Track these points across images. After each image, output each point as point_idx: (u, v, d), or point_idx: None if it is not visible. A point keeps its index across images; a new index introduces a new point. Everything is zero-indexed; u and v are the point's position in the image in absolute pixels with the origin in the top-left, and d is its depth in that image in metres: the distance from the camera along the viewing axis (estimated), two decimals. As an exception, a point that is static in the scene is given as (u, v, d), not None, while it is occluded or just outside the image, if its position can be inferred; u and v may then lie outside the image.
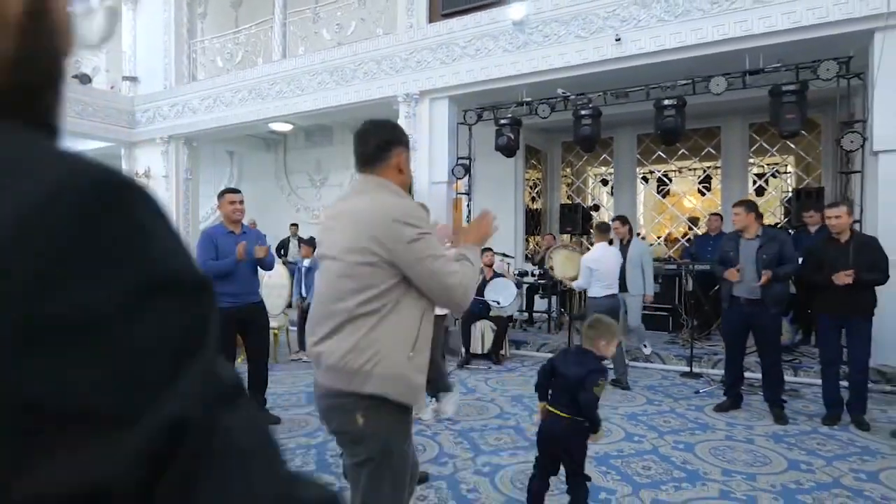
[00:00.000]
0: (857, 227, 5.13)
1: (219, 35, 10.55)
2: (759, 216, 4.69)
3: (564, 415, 2.61)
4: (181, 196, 10.61)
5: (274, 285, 6.58)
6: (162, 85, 10.58)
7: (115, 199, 0.31)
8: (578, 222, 9.80)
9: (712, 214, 8.23)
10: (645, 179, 10.99)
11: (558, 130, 10.04)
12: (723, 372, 5.02)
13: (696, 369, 5.85)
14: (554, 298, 8.16)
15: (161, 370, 0.30)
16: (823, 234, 5.92)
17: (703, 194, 10.89)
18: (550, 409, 2.69)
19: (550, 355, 6.73)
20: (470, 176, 8.08)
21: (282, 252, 9.98)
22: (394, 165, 1.82)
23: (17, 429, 0.26)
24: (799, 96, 5.74)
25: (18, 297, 0.26)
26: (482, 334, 6.54)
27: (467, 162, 7.94)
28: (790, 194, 8.91)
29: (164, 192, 10.29)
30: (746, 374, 4.92)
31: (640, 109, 7.25)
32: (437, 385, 4.20)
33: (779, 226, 9.17)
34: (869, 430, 4.13)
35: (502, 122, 7.53)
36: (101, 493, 0.28)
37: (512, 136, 7.46)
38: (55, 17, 0.40)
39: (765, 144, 9.53)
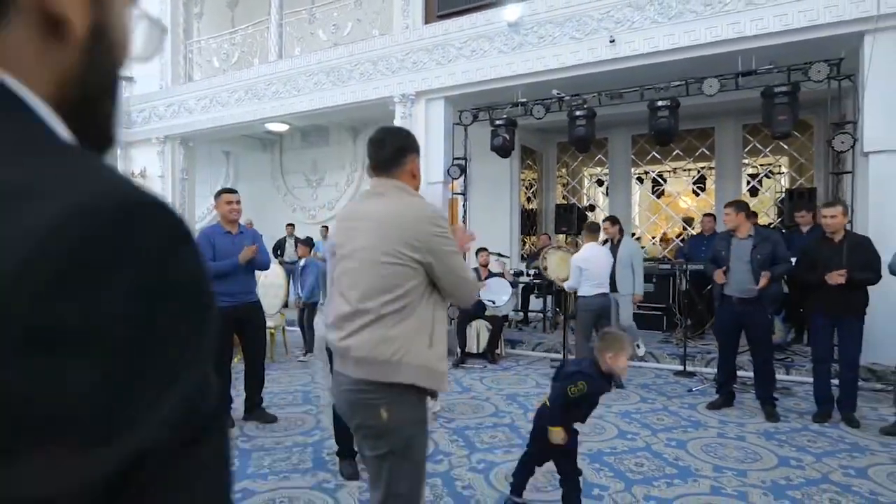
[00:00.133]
0: (848, 227, 5.18)
1: (215, 35, 10.57)
2: (751, 216, 4.75)
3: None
4: (177, 196, 10.62)
5: (270, 285, 6.61)
6: (158, 85, 10.58)
7: (128, 225, 0.31)
8: (574, 222, 9.84)
9: (705, 215, 8.29)
10: (640, 180, 11.05)
11: (554, 131, 10.10)
12: (716, 370, 5.07)
13: (689, 368, 5.90)
14: (549, 298, 8.21)
15: (146, 395, 0.31)
16: (817, 234, 6.00)
17: (698, 195, 10.96)
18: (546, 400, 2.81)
19: (545, 355, 6.82)
20: (466, 176, 8.12)
21: (278, 252, 10.00)
22: (408, 171, 1.93)
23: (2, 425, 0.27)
24: (791, 98, 5.80)
25: (27, 306, 0.27)
26: (478, 334, 6.58)
27: (463, 162, 7.98)
28: (783, 195, 8.99)
29: (160, 192, 10.28)
30: (739, 373, 4.98)
31: (635, 110, 7.30)
32: None
33: (772, 226, 9.25)
34: (859, 427, 4.19)
35: (498, 122, 7.57)
36: None
37: (507, 137, 7.50)
38: (113, 34, 0.43)
39: (758, 145, 9.60)
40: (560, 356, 6.51)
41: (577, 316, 5.65)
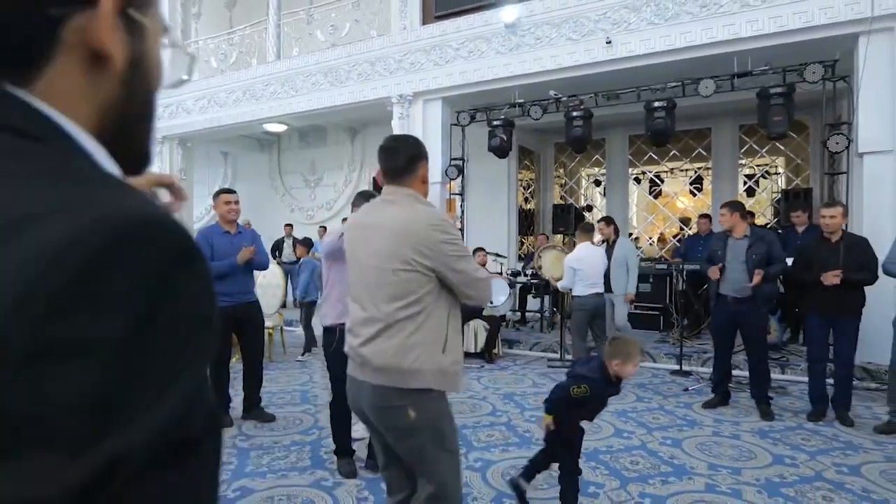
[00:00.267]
0: (844, 227, 5.22)
1: (213, 36, 10.58)
2: (747, 216, 4.78)
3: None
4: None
5: (268, 285, 6.62)
6: (156, 85, 10.57)
7: (129, 244, 0.33)
8: (571, 223, 9.86)
9: (701, 216, 8.34)
10: (637, 180, 11.08)
11: (551, 131, 10.13)
12: (711, 370, 5.10)
13: (685, 367, 5.94)
14: (546, 298, 8.24)
15: (134, 409, 0.32)
16: (812, 234, 6.04)
17: (695, 195, 11.01)
18: None
19: (542, 354, 6.85)
20: (463, 177, 8.15)
21: (276, 252, 10.01)
22: (420, 177, 1.99)
23: None
24: (786, 98, 5.84)
25: (29, 324, 0.29)
26: (475, 333, 6.61)
27: (461, 163, 8.01)
28: (779, 195, 9.03)
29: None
30: (734, 372, 5.01)
31: (632, 111, 7.34)
32: None
33: (768, 226, 9.29)
34: (853, 425, 4.22)
35: (495, 123, 7.61)
36: None
37: (504, 138, 7.53)
38: (148, 63, 0.47)
39: (754, 146, 9.65)
40: (557, 356, 6.55)
41: (571, 315, 5.69)
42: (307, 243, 7.17)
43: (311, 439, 3.95)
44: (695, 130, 9.80)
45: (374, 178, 8.61)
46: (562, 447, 2.81)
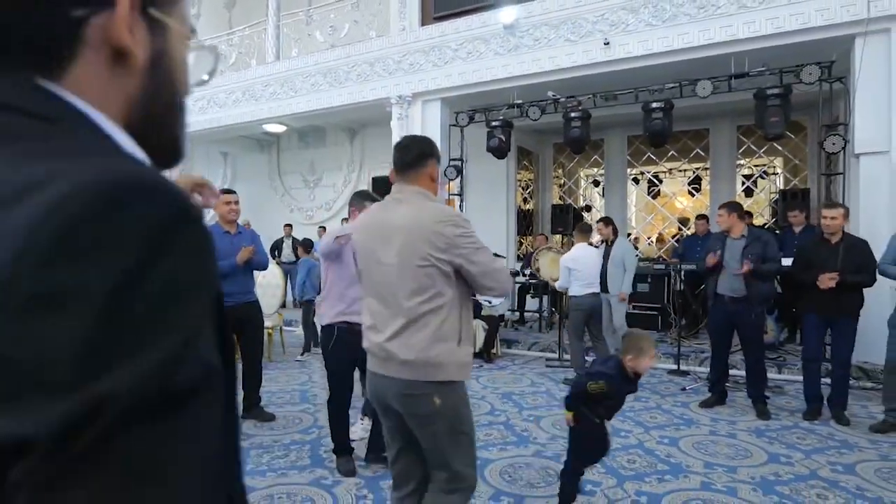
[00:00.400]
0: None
1: (212, 36, 10.59)
2: (744, 217, 4.81)
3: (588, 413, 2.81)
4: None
5: (268, 285, 6.65)
6: (155, 86, 10.60)
7: (122, 200, 0.35)
8: (570, 223, 9.88)
9: (699, 216, 8.37)
10: (636, 181, 11.11)
11: (550, 132, 10.16)
12: (709, 369, 5.13)
13: (683, 367, 5.97)
14: (545, 298, 8.27)
15: (111, 354, 0.33)
16: (809, 234, 6.08)
17: (693, 195, 11.04)
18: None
19: (540, 354, 6.87)
20: (462, 177, 8.18)
21: (275, 252, 10.04)
22: (427, 174, 2.06)
23: None
24: (783, 99, 5.87)
25: (25, 269, 0.32)
26: (474, 333, 6.61)
27: (460, 163, 8.04)
28: (777, 195, 9.06)
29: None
30: (731, 372, 5.04)
31: (630, 111, 7.37)
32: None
33: (766, 226, 9.32)
34: (849, 424, 4.25)
35: (494, 123, 7.63)
36: (15, 445, 0.32)
37: (503, 138, 7.56)
38: (171, 60, 0.51)
39: (752, 146, 9.67)
40: (555, 355, 6.58)
41: (568, 315, 5.71)
42: (308, 244, 7.19)
43: (310, 438, 3.98)
44: (693, 131, 9.83)
45: (373, 178, 8.63)
46: (576, 443, 2.83)
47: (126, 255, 0.34)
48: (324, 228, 10.21)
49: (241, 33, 10.29)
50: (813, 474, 3.38)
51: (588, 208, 11.52)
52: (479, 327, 6.64)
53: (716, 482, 3.25)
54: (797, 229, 6.60)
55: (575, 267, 5.40)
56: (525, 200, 10.95)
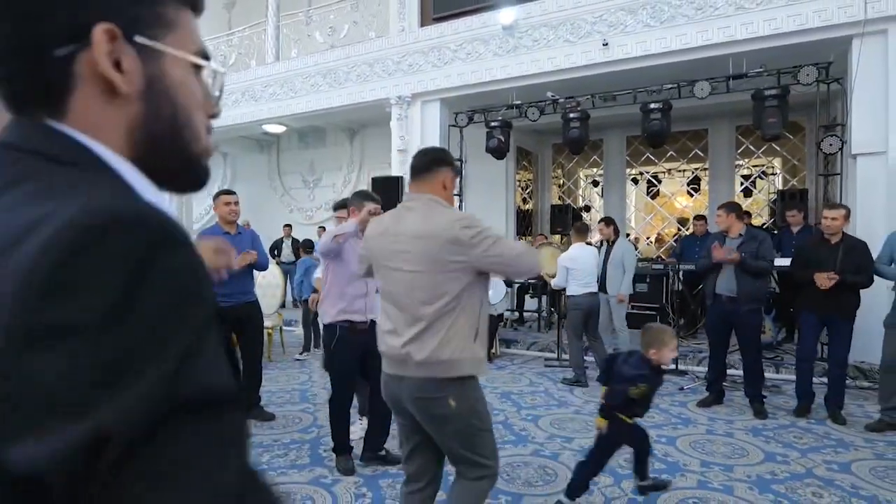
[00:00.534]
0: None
1: (212, 37, 10.62)
2: (742, 217, 4.84)
3: (624, 418, 2.80)
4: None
5: (268, 285, 6.67)
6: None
7: (110, 233, 0.38)
8: (569, 223, 9.89)
9: (696, 217, 8.40)
10: (635, 181, 11.13)
11: (549, 132, 10.18)
12: (707, 369, 5.16)
13: (681, 367, 5.98)
14: (544, 298, 8.29)
15: (114, 378, 0.35)
16: (807, 234, 6.10)
17: (692, 195, 11.06)
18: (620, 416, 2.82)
19: (539, 354, 6.89)
20: (462, 177, 8.20)
21: (275, 252, 10.06)
22: (440, 181, 2.10)
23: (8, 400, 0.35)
24: (781, 100, 5.89)
25: (17, 310, 0.35)
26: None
27: (459, 164, 8.06)
28: (776, 195, 9.09)
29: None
30: (729, 371, 5.06)
31: (628, 112, 7.39)
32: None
33: (765, 226, 9.35)
34: (845, 423, 4.28)
35: (493, 124, 7.65)
36: (39, 474, 0.34)
37: (502, 139, 7.58)
38: (167, 83, 0.52)
39: (751, 147, 9.69)
40: (554, 355, 6.60)
41: (567, 315, 5.74)
42: (309, 245, 7.21)
43: (310, 437, 4.00)
44: (692, 131, 9.85)
45: (372, 178, 8.65)
46: (606, 444, 2.84)
47: (112, 286, 0.36)
48: (323, 228, 10.22)
49: (241, 34, 10.32)
50: (809, 473, 3.40)
51: (587, 208, 11.54)
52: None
53: (712, 481, 3.28)
54: (795, 229, 6.62)
55: (573, 266, 5.42)
56: (524, 201, 10.98)
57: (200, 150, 0.56)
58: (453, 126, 8.02)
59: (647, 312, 7.97)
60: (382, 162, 9.43)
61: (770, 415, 4.49)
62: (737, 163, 9.91)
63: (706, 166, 10.14)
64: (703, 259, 4.85)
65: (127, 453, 0.36)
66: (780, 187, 9.55)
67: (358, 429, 3.87)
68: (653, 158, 10.56)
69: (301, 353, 6.81)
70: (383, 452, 3.49)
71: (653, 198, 11.36)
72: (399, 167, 8.21)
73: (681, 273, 7.10)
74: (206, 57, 0.57)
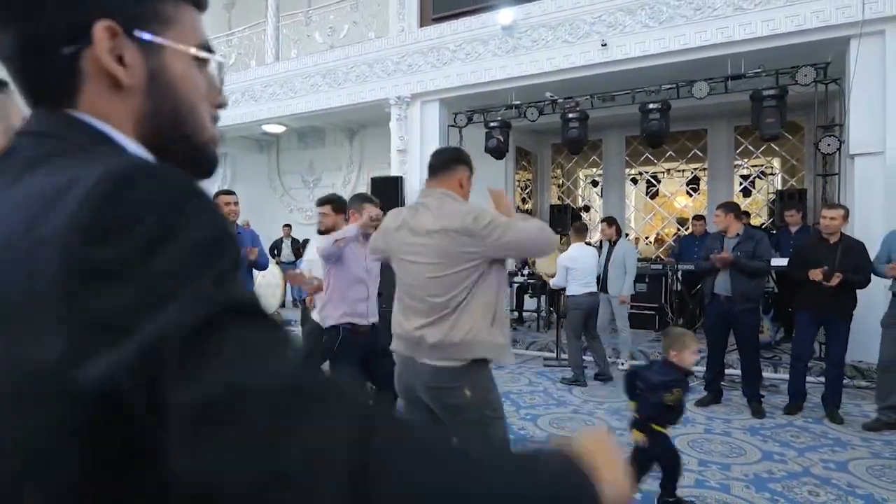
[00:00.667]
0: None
1: (211, 37, 10.56)
2: (741, 217, 4.86)
3: (659, 428, 2.74)
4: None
5: (268, 285, 6.67)
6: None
7: (143, 180, 0.44)
8: (568, 223, 9.89)
9: (695, 217, 8.42)
10: (634, 181, 11.15)
11: (548, 132, 10.18)
12: (705, 369, 5.17)
13: (679, 366, 5.99)
14: (543, 298, 8.31)
15: (161, 298, 0.40)
16: (805, 234, 6.12)
17: (691, 195, 11.08)
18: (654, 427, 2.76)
19: (538, 354, 6.91)
20: (461, 177, 8.20)
21: (275, 252, 10.08)
22: (457, 179, 2.17)
23: (81, 325, 0.40)
24: (779, 101, 5.92)
25: (69, 254, 0.40)
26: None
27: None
28: (775, 195, 9.11)
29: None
30: (727, 371, 5.08)
31: (627, 112, 7.41)
32: None
33: (763, 226, 9.37)
34: (842, 423, 4.29)
35: (492, 124, 7.67)
36: (113, 386, 0.39)
37: (501, 139, 7.60)
38: (169, 75, 0.56)
39: (750, 147, 9.71)
40: (553, 355, 6.61)
41: (566, 315, 5.75)
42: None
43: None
44: (691, 131, 9.86)
45: (372, 178, 8.67)
46: (643, 455, 2.79)
47: (146, 224, 0.42)
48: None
49: (241, 34, 10.34)
50: (805, 471, 3.42)
51: (587, 208, 11.56)
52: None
53: (709, 479, 3.30)
54: (793, 229, 6.64)
55: (573, 266, 5.44)
56: (524, 201, 10.99)
57: (207, 139, 0.60)
58: (452, 126, 8.04)
59: (646, 312, 8.00)
60: (382, 162, 9.45)
61: (768, 414, 4.51)
62: (736, 163, 9.92)
63: (705, 166, 10.16)
64: (702, 261, 4.88)
65: (183, 354, 0.40)
66: (780, 187, 9.57)
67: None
68: (652, 158, 10.57)
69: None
70: None
71: (652, 198, 11.38)
72: (398, 167, 8.23)
73: (679, 273, 7.11)
74: (208, 50, 0.60)
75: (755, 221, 9.60)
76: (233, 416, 0.39)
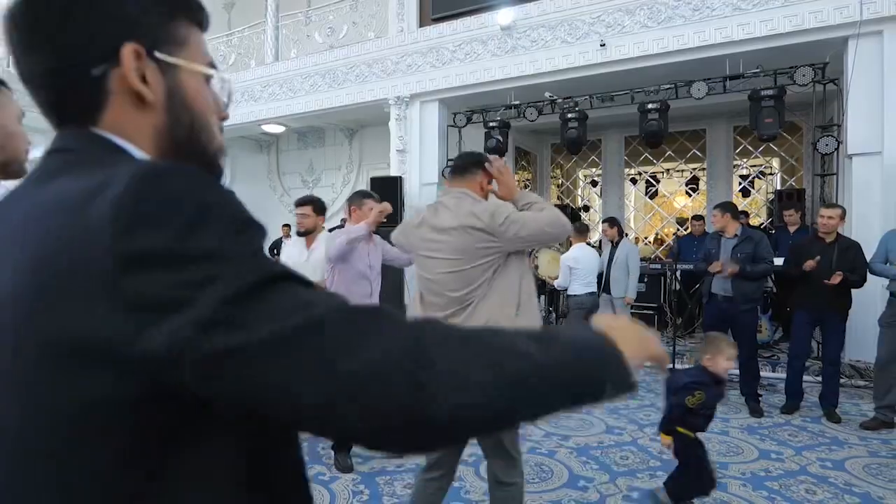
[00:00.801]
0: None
1: (211, 37, 10.64)
2: (738, 217, 4.87)
3: (686, 432, 2.75)
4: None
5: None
6: (155, 87, 10.64)
7: (169, 178, 0.49)
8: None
9: (694, 217, 8.43)
10: (633, 181, 11.17)
11: (547, 132, 10.20)
12: (703, 368, 5.19)
13: (678, 365, 6.01)
14: (543, 298, 8.31)
15: (212, 269, 0.46)
16: (803, 234, 6.13)
17: (690, 195, 11.09)
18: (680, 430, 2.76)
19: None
20: (460, 177, 8.21)
21: (275, 252, 10.08)
22: (478, 182, 2.22)
23: (128, 305, 0.45)
24: (777, 101, 5.92)
25: (116, 242, 0.45)
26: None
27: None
28: (774, 195, 9.12)
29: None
30: (725, 370, 5.09)
31: (626, 112, 7.42)
32: None
33: (762, 226, 9.38)
34: (840, 422, 4.31)
35: (491, 124, 7.68)
36: (166, 355, 0.44)
37: (501, 139, 7.61)
38: (184, 93, 0.61)
39: (749, 147, 9.73)
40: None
41: (568, 314, 5.76)
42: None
43: (308, 435, 4.02)
44: (690, 131, 9.88)
45: (371, 178, 8.67)
46: (681, 456, 2.79)
47: (179, 214, 0.46)
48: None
49: (241, 34, 10.34)
50: (802, 470, 3.43)
51: (586, 208, 11.58)
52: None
53: (707, 478, 3.30)
54: (792, 229, 6.65)
55: (576, 266, 5.46)
56: (523, 200, 10.99)
57: (216, 149, 0.66)
58: (452, 126, 8.04)
59: (646, 312, 8.01)
60: (381, 162, 9.46)
61: (765, 413, 4.52)
62: (735, 163, 9.94)
63: (704, 166, 10.17)
64: (702, 263, 4.89)
65: (245, 308, 0.46)
66: (779, 187, 9.58)
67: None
68: (651, 158, 10.59)
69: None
70: None
71: (651, 198, 11.39)
72: (398, 167, 8.25)
73: (678, 273, 7.12)
74: (213, 67, 0.66)
75: (754, 221, 9.62)
76: (311, 339, 0.46)
